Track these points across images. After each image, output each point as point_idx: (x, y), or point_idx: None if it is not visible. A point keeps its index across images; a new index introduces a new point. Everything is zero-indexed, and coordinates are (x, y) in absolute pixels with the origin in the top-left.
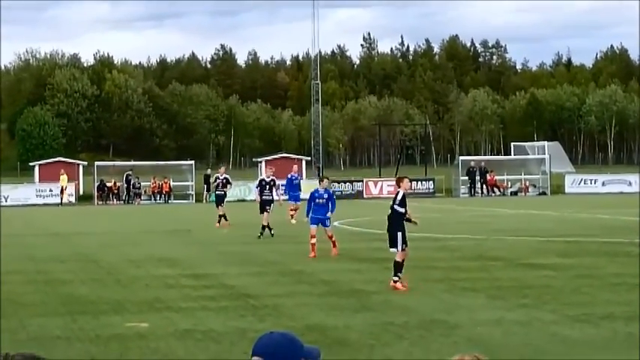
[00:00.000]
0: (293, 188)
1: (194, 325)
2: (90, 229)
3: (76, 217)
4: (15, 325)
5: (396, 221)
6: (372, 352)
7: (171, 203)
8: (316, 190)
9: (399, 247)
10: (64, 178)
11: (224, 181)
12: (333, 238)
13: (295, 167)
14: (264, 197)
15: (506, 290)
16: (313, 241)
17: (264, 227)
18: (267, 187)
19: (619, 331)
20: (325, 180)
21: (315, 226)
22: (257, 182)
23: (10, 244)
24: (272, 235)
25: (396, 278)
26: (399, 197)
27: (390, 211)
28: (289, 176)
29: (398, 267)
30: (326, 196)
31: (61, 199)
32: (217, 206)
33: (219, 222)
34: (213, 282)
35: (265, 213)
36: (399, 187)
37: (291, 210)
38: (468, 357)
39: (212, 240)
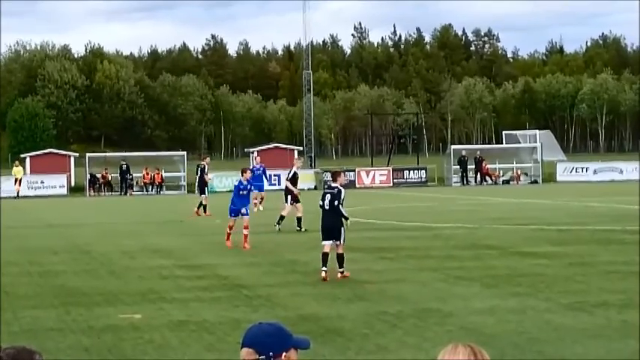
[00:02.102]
0: (256, 178)
1: (188, 316)
2: (83, 220)
3: (68, 209)
4: (8, 317)
5: (341, 216)
6: (365, 341)
7: (163, 194)
8: (240, 182)
9: (343, 240)
10: (18, 170)
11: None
12: (247, 232)
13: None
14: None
15: (499, 279)
16: (229, 231)
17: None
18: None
19: (613, 318)
20: (249, 171)
21: (234, 217)
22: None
23: (2, 236)
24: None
25: (342, 269)
26: (343, 195)
27: (328, 206)
28: (253, 167)
29: (341, 258)
30: (249, 187)
31: (17, 191)
32: (202, 194)
33: (199, 210)
34: (207, 272)
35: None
36: (336, 181)
37: (255, 199)
38: (462, 346)
39: (205, 231)
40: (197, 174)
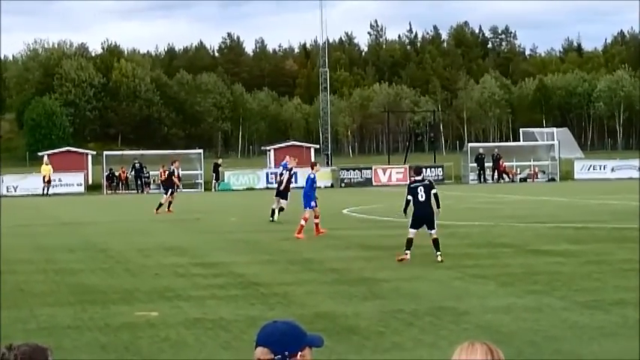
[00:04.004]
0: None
1: (204, 314)
2: (99, 218)
3: (85, 207)
4: (25, 314)
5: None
6: (381, 339)
7: (179, 192)
8: (315, 176)
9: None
10: (46, 168)
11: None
12: (318, 220)
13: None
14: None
15: (515, 277)
16: (305, 223)
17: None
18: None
19: (629, 316)
20: (318, 165)
21: (311, 209)
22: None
23: (19, 234)
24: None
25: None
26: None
27: (424, 197)
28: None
29: (437, 243)
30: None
31: (47, 189)
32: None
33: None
34: (223, 270)
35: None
36: (420, 174)
37: None
38: (479, 344)
39: (221, 228)
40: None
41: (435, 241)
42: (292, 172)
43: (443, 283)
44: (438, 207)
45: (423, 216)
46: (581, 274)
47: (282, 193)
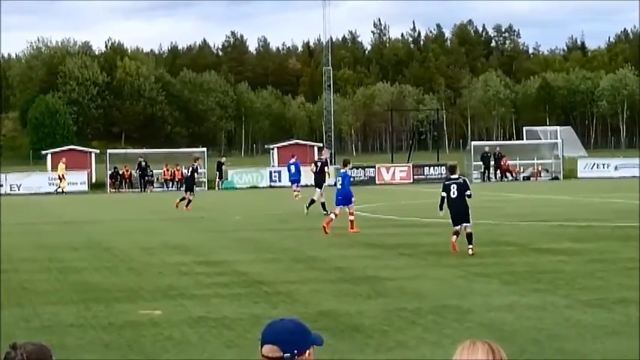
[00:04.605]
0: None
1: (207, 312)
2: (103, 216)
3: (88, 205)
4: (29, 313)
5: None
6: (385, 337)
7: (183, 190)
8: (349, 173)
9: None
10: (61, 166)
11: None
12: (353, 217)
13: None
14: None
15: (519, 275)
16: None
17: (312, 201)
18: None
19: (632, 315)
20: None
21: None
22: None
23: (23, 232)
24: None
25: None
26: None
27: (456, 194)
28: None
29: (470, 237)
30: None
31: (61, 187)
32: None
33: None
34: (227, 269)
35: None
36: (454, 173)
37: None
38: (481, 343)
39: (225, 227)
40: (189, 173)
41: (469, 235)
42: (326, 163)
43: (446, 281)
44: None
45: (457, 212)
46: (584, 273)
47: (319, 183)
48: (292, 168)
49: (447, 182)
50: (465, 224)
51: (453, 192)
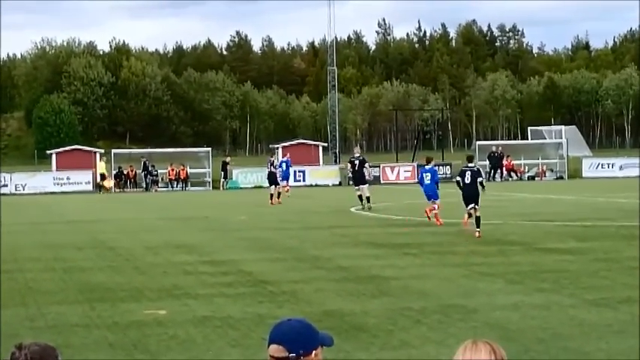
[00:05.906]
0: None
1: (212, 312)
2: (107, 216)
3: (93, 205)
4: (33, 312)
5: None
6: (389, 336)
7: (188, 190)
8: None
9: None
10: (102, 165)
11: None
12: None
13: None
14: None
15: (524, 274)
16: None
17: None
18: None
19: (637, 314)
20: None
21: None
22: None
23: (28, 232)
24: (366, 208)
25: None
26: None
27: (470, 179)
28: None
29: (478, 220)
30: None
31: (103, 186)
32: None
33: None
34: (231, 268)
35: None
36: (472, 162)
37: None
38: (482, 343)
39: (229, 226)
40: (268, 168)
41: (477, 219)
42: (365, 160)
43: (451, 280)
44: (483, 188)
45: (468, 195)
46: (589, 272)
47: (360, 181)
48: (284, 165)
49: (463, 168)
50: (474, 205)
51: (467, 177)
